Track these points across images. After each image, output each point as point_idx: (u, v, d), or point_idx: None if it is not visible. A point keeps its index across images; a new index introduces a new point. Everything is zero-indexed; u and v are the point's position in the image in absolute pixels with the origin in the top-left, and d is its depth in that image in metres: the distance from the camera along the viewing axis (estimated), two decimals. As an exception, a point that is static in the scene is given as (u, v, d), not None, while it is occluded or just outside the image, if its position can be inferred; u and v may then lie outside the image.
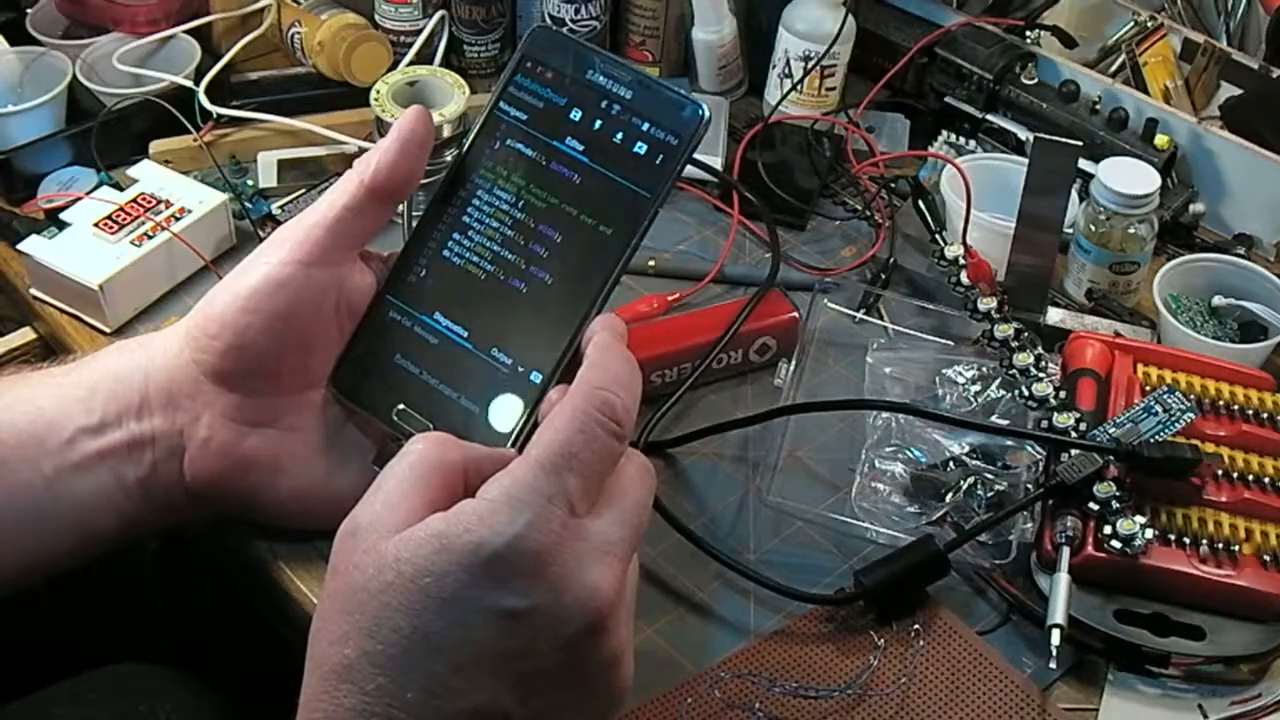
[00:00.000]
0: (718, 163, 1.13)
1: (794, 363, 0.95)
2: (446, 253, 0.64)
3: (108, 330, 1.00)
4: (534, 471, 0.53)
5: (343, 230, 0.63)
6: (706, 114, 0.61)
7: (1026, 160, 1.00)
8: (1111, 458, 0.82)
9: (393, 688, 0.50)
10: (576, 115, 0.63)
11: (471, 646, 0.51)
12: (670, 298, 1.01)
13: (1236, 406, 0.88)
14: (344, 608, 0.52)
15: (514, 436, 0.61)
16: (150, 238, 1.02)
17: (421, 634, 0.51)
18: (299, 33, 1.21)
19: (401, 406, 0.62)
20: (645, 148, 0.62)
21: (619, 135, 0.62)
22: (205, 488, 0.65)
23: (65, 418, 0.64)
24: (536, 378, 0.61)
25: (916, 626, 0.81)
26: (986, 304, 0.95)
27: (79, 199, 1.06)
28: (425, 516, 0.53)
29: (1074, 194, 1.01)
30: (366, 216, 0.63)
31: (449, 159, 1.09)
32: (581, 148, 0.62)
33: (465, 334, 0.63)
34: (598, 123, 0.62)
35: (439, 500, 0.54)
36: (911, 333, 1.00)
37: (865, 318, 1.02)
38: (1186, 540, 0.81)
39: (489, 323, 0.62)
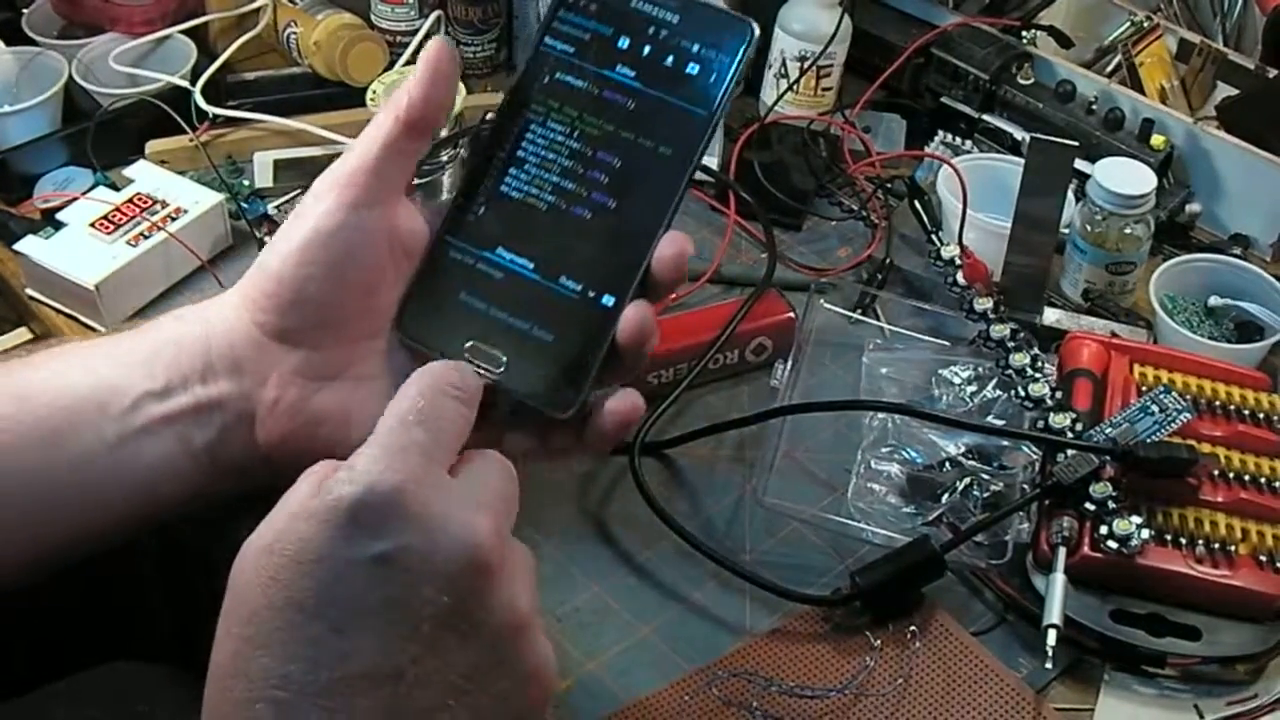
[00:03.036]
0: (714, 163, 1.13)
1: (790, 363, 0.95)
2: (504, 188, 0.63)
3: (104, 330, 1.00)
4: (381, 431, 0.53)
5: (385, 169, 0.62)
6: (755, 30, 0.61)
7: (1022, 160, 1.00)
8: (1108, 458, 0.82)
9: (274, 665, 0.49)
10: (625, 43, 0.63)
11: (348, 603, 0.49)
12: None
13: (1232, 406, 0.88)
14: (225, 615, 0.51)
15: (593, 362, 0.61)
16: (146, 238, 1.02)
17: (295, 603, 0.49)
18: (295, 33, 1.21)
19: (472, 343, 0.62)
20: (697, 68, 0.62)
21: (670, 58, 0.62)
22: (275, 449, 0.64)
23: (127, 382, 0.63)
24: (609, 300, 0.61)
25: (912, 627, 0.81)
26: (983, 304, 0.95)
27: (75, 199, 1.06)
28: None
29: (1070, 194, 1.01)
30: (405, 153, 0.62)
31: (445, 159, 1.09)
32: (633, 74, 0.62)
33: (531, 265, 0.62)
34: (647, 48, 0.62)
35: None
36: (908, 333, 1.01)
37: (861, 318, 1.02)
38: (1183, 540, 0.81)
39: (555, 252, 0.62)
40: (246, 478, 0.65)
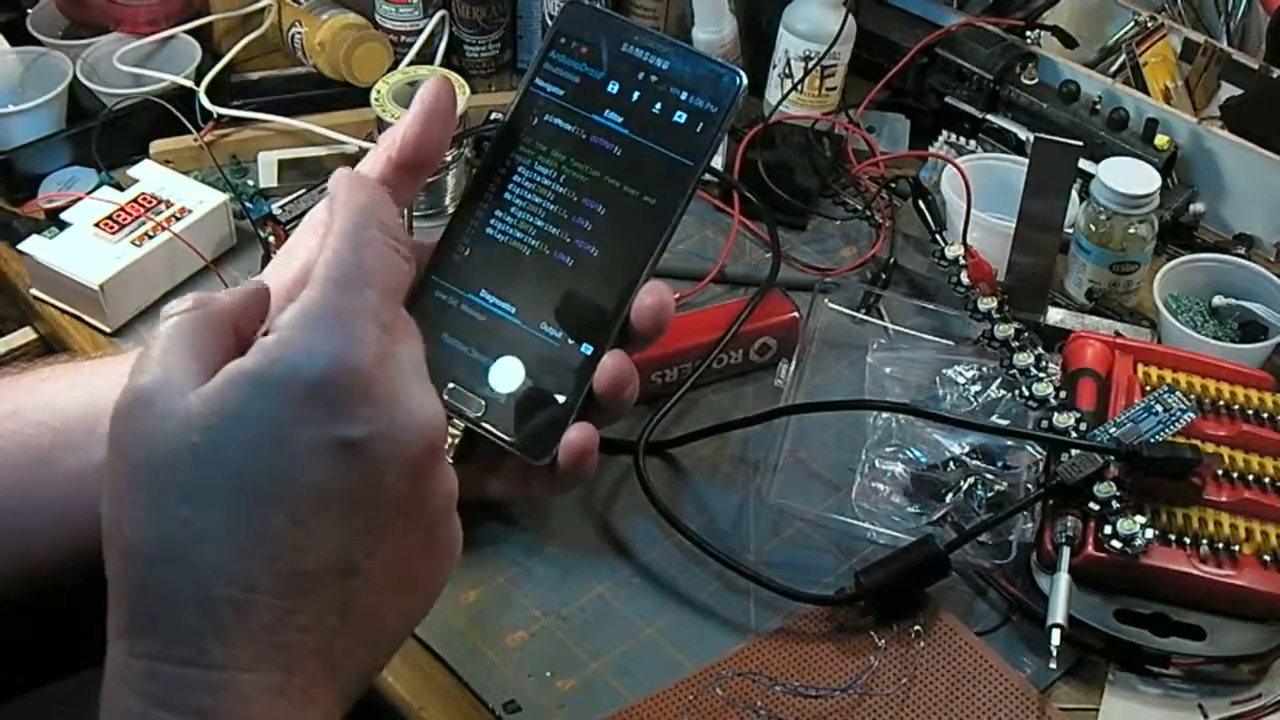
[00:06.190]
0: (718, 163, 1.12)
1: (794, 363, 0.95)
2: (490, 230, 0.64)
3: (108, 330, 1.00)
4: (331, 290, 0.48)
5: None
6: (744, 81, 0.61)
7: (1027, 160, 1.00)
8: (1112, 458, 0.82)
9: (226, 559, 0.45)
10: (614, 88, 0.63)
11: (310, 491, 0.46)
12: (673, 297, 1.01)
13: (1237, 406, 0.88)
14: (143, 484, 0.46)
15: (570, 409, 0.61)
16: (151, 238, 1.02)
17: (249, 490, 0.45)
18: (299, 33, 1.21)
19: (452, 385, 0.62)
20: (685, 116, 0.62)
21: (658, 106, 0.62)
22: None
23: None
24: (588, 349, 0.61)
25: (917, 627, 0.81)
26: (987, 304, 0.95)
27: (79, 199, 1.06)
28: (214, 371, 0.47)
29: (1074, 194, 1.01)
30: (397, 192, 0.62)
31: (449, 159, 1.10)
32: (621, 119, 0.62)
33: (513, 310, 0.62)
34: (636, 94, 0.62)
35: (216, 355, 0.49)
36: (912, 333, 1.00)
37: (866, 318, 1.02)
38: (1187, 540, 0.81)
39: (537, 298, 0.62)
40: None
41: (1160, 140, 1.11)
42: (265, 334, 0.49)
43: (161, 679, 0.45)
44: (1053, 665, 0.76)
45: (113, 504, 0.48)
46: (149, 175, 1.08)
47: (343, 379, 0.46)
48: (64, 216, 1.04)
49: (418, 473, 0.48)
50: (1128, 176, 1.01)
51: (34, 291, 1.03)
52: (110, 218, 1.02)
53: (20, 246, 1.02)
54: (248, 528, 0.45)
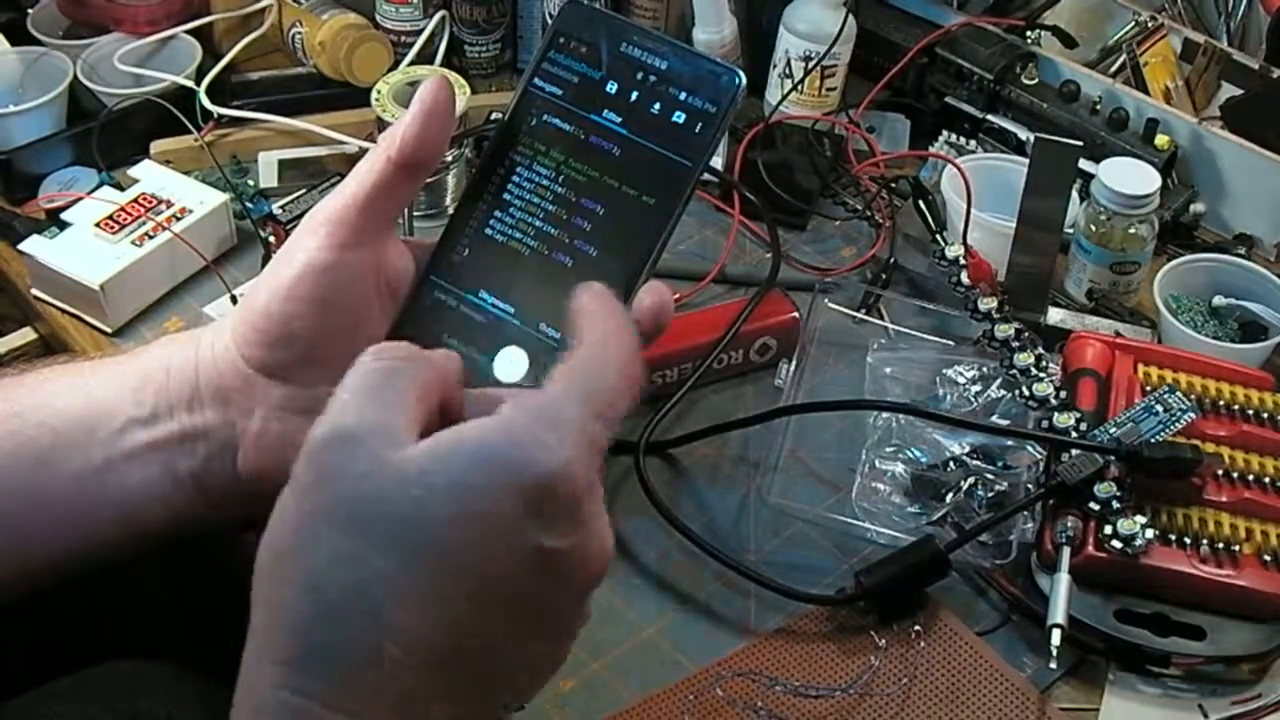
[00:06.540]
0: (718, 163, 1.13)
1: (794, 363, 0.95)
2: (489, 231, 0.64)
3: (109, 330, 1.00)
4: (578, 399, 0.49)
5: (375, 209, 0.62)
6: (743, 80, 0.61)
7: (1027, 160, 1.00)
8: (1112, 458, 0.82)
9: (400, 624, 0.46)
10: (613, 88, 0.63)
11: (499, 585, 0.47)
12: (673, 297, 1.01)
13: (1237, 406, 0.88)
14: (341, 524, 0.47)
15: None
16: (151, 238, 1.02)
17: (448, 563, 0.46)
18: (300, 33, 1.21)
19: None
20: (684, 117, 0.62)
21: (657, 106, 0.62)
22: (259, 481, 0.64)
23: (117, 407, 0.63)
24: None
25: (917, 627, 0.81)
26: (987, 304, 0.95)
27: (80, 199, 1.06)
28: (422, 430, 0.49)
29: (1074, 194, 1.01)
30: (397, 192, 0.62)
31: (449, 159, 1.10)
32: (619, 120, 0.62)
33: (512, 311, 0.63)
34: (634, 94, 0.62)
35: (424, 415, 0.50)
36: (912, 333, 1.01)
37: (866, 318, 1.02)
38: (1187, 540, 0.81)
39: (536, 298, 0.62)
40: (230, 508, 0.65)
41: (1160, 140, 1.11)
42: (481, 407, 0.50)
43: (311, 717, 0.46)
44: (1053, 665, 0.76)
45: (293, 532, 0.48)
46: (149, 175, 1.08)
47: (565, 489, 0.47)
48: (64, 216, 1.04)
49: (586, 592, 0.51)
50: (1128, 176, 1.01)
51: (34, 291, 1.03)
52: (111, 218, 1.02)
53: (21, 246, 1.02)
54: (435, 599, 0.46)
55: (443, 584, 0.47)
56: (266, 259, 1.02)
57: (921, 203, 1.06)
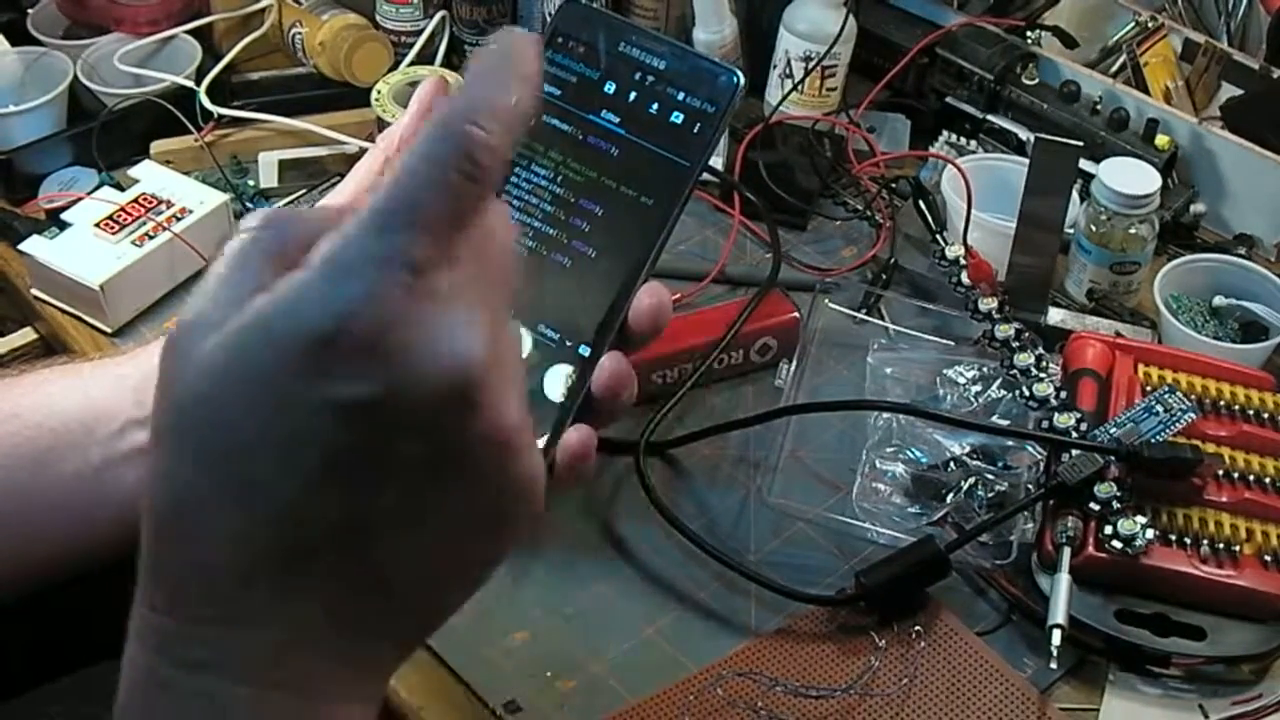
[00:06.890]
0: (719, 163, 1.12)
1: (795, 363, 0.95)
2: None
3: (109, 331, 1.00)
4: (366, 230, 0.42)
5: None
6: (741, 80, 0.61)
7: (1027, 161, 1.00)
8: (1112, 458, 0.82)
9: (224, 532, 0.42)
10: (611, 88, 0.63)
11: (313, 458, 0.41)
12: (671, 298, 1.01)
13: (1237, 407, 0.88)
14: (164, 434, 0.43)
15: (567, 405, 0.61)
16: (151, 238, 1.02)
17: (251, 453, 0.42)
18: (300, 33, 1.21)
19: None
20: (682, 117, 0.62)
21: (655, 106, 0.62)
22: None
23: (116, 407, 0.63)
24: (585, 350, 0.61)
25: (917, 627, 0.81)
26: (987, 304, 0.95)
27: (80, 199, 1.06)
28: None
29: (1075, 194, 1.01)
30: None
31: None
32: (617, 120, 0.62)
33: (511, 310, 0.63)
34: (633, 94, 0.62)
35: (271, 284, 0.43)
36: (912, 333, 1.00)
37: (866, 318, 1.02)
38: (1187, 540, 0.81)
39: (534, 298, 0.62)
40: None
41: (1161, 140, 1.11)
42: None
43: (166, 633, 0.44)
44: (1053, 665, 0.76)
45: (150, 447, 0.45)
46: (149, 175, 1.08)
47: (349, 331, 0.41)
48: (64, 216, 1.04)
49: (443, 426, 0.43)
50: (1128, 177, 1.01)
51: (34, 291, 1.03)
52: (111, 218, 1.02)
53: (21, 246, 1.02)
54: (251, 495, 0.42)
55: (243, 474, 0.42)
56: (266, 259, 1.01)
57: (922, 203, 1.06)
